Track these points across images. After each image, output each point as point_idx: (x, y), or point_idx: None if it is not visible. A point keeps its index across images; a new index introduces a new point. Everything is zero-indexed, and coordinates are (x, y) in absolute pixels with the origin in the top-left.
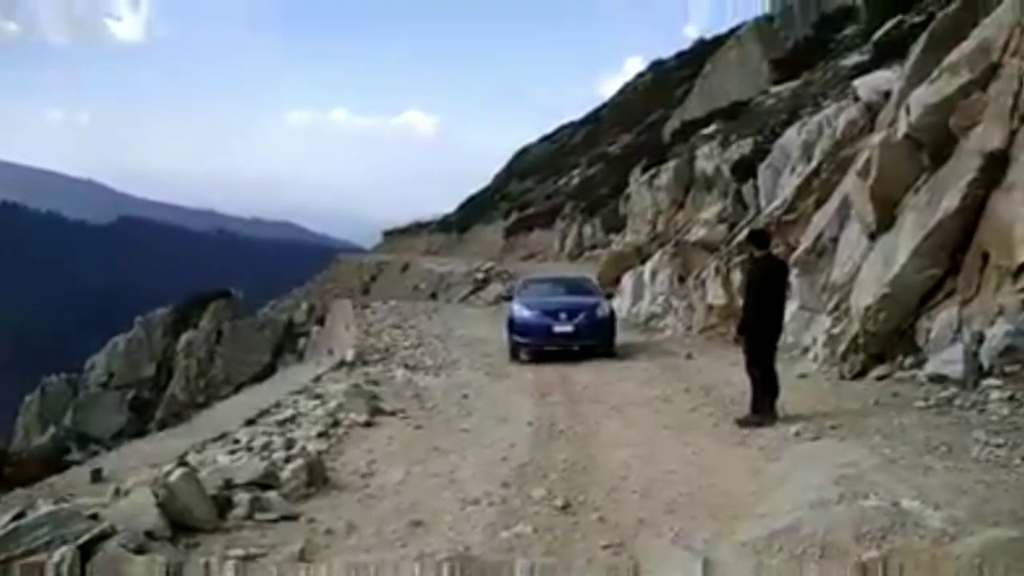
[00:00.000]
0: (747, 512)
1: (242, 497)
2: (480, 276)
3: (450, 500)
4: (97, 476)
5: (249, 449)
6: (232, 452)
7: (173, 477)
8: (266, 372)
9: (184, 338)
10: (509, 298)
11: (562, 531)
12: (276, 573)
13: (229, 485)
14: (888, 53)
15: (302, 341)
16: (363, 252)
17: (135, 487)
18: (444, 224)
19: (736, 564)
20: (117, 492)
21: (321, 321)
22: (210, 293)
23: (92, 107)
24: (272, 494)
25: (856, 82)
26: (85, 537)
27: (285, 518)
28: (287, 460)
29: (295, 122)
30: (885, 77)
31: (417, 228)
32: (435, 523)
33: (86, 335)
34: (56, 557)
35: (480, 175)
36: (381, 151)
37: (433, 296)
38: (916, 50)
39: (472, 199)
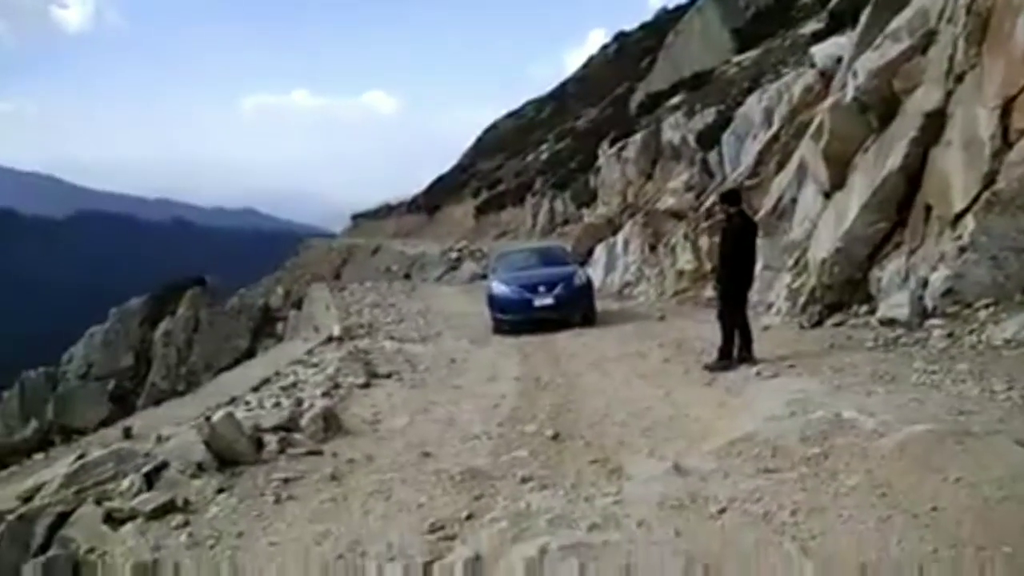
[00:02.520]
0: (712, 432)
1: (271, 438)
2: (453, 256)
3: (453, 437)
4: (128, 433)
5: (262, 408)
6: (248, 411)
7: (215, 418)
8: (245, 357)
9: (161, 327)
10: (485, 276)
11: (554, 453)
12: (315, 489)
13: (258, 429)
14: (842, 20)
15: (280, 325)
16: (331, 237)
17: (176, 433)
18: (413, 205)
19: (701, 465)
20: (159, 439)
21: (298, 305)
22: (184, 281)
23: (43, 99)
24: (297, 435)
25: (812, 49)
26: (147, 468)
27: (311, 453)
28: (302, 413)
29: (254, 106)
30: (839, 43)
31: (386, 210)
32: (442, 453)
33: (58, 329)
34: (125, 484)
35: (447, 155)
36: (343, 133)
37: (407, 277)
38: (864, 18)
39: (441, 179)
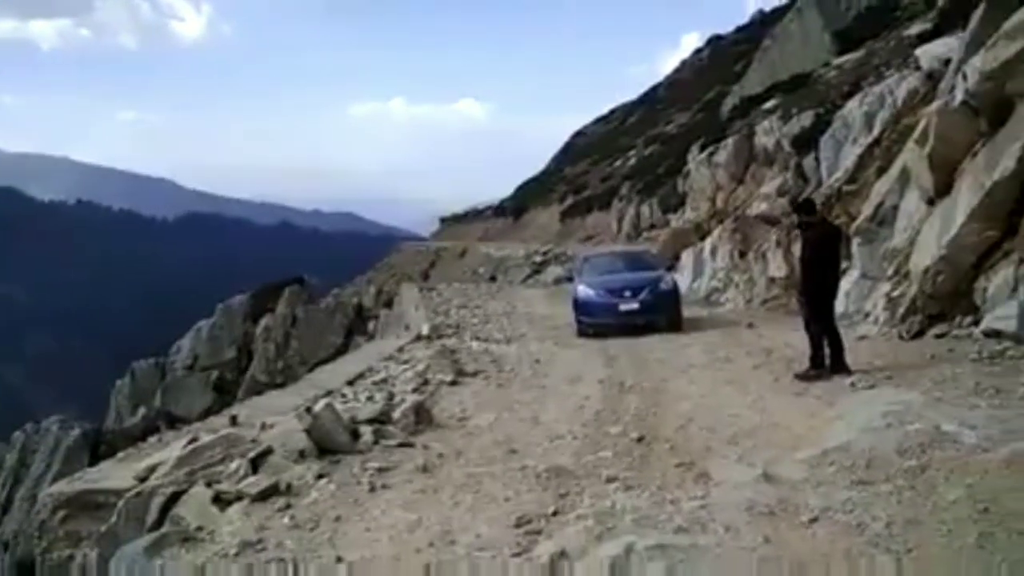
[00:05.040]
0: (803, 442)
1: (366, 429)
2: (538, 259)
3: (538, 436)
4: (234, 421)
5: (357, 401)
6: (344, 403)
7: (317, 408)
8: (339, 352)
9: (262, 323)
10: (570, 279)
11: (639, 455)
12: (407, 479)
13: (354, 420)
14: (952, 20)
15: (371, 324)
16: (422, 240)
17: (279, 422)
18: (500, 209)
19: (792, 473)
20: (263, 426)
21: (389, 304)
22: (284, 280)
23: (161, 107)
24: (390, 427)
25: (918, 51)
26: (253, 453)
27: (403, 445)
28: (394, 406)
29: (354, 114)
30: (947, 45)
31: (474, 214)
32: (528, 451)
33: (167, 322)
34: (233, 467)
35: (535, 160)
36: (437, 140)
37: (492, 279)
38: (976, 17)
39: (527, 183)
